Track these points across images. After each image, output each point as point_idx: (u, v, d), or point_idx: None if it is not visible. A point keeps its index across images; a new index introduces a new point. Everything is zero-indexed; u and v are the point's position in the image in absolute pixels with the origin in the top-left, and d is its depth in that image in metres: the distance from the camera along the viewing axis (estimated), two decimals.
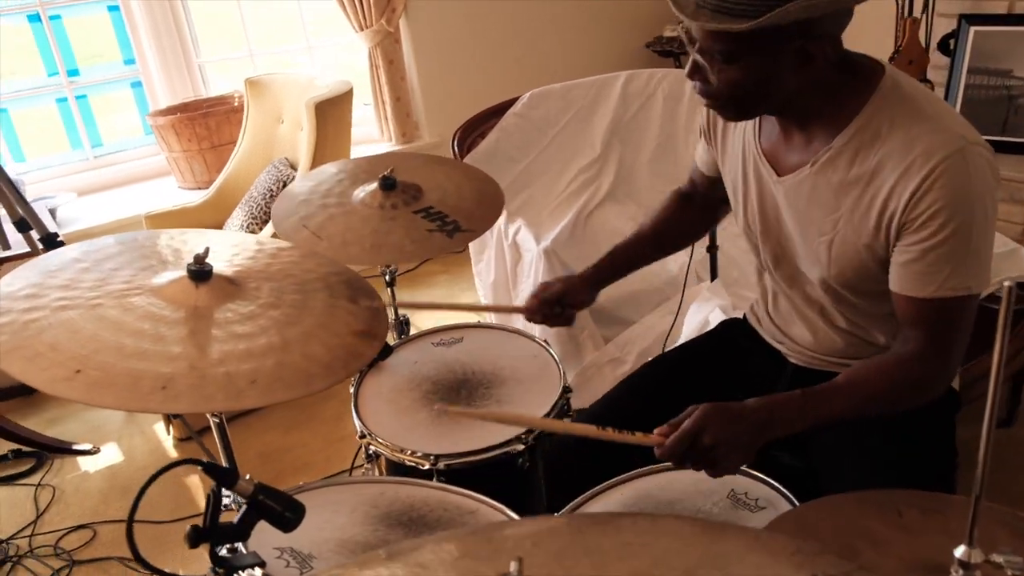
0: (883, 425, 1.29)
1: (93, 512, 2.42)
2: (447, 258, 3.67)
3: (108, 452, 2.75)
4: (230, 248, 1.52)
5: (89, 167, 3.78)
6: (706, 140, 1.51)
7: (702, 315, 2.11)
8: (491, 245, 2.55)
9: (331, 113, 2.71)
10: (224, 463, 1.46)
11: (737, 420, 1.11)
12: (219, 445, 1.46)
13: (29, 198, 3.41)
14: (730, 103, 1.23)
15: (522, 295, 2.45)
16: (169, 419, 2.74)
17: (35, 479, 2.63)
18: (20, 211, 2.17)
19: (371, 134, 3.94)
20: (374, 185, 1.78)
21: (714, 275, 2.29)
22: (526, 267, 2.42)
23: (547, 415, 1.50)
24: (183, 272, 1.32)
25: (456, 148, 2.61)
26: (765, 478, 1.23)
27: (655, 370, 1.59)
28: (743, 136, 1.39)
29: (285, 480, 2.51)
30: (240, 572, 0.93)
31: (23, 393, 3.09)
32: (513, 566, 0.55)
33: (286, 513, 0.90)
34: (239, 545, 0.96)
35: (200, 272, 1.31)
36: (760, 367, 1.51)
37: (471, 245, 2.66)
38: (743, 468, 1.27)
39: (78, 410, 3.00)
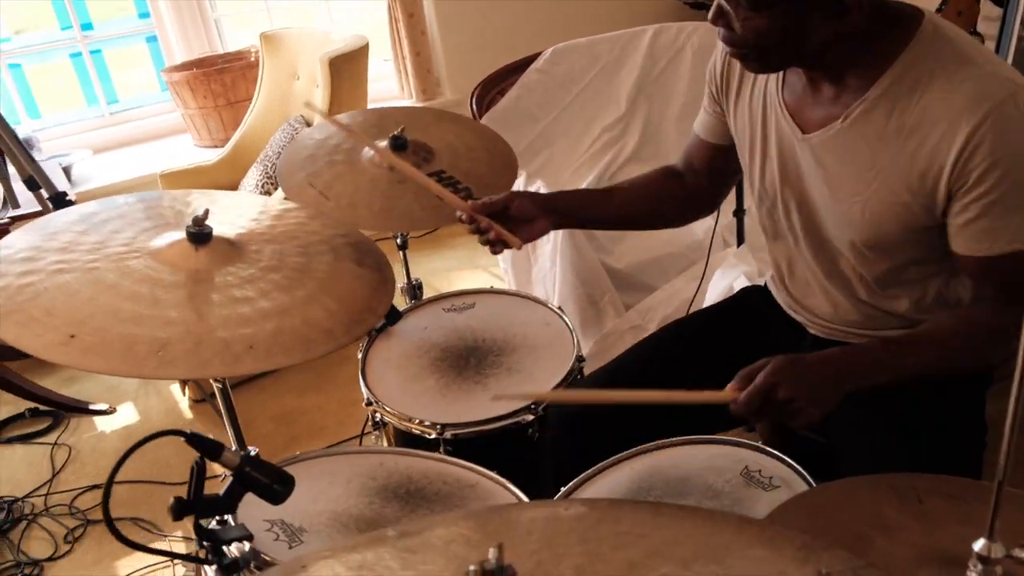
0: (908, 398, 1.25)
1: (108, 472, 2.45)
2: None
3: (124, 412, 2.79)
4: (233, 209, 1.51)
5: (105, 124, 3.79)
6: (714, 96, 1.44)
7: (727, 281, 2.06)
8: None
9: (346, 69, 2.67)
10: (228, 429, 1.45)
11: (812, 372, 1.09)
12: (223, 410, 1.45)
13: (44, 156, 3.43)
14: (755, 53, 1.16)
15: (541, 261, 2.42)
16: (184, 381, 2.76)
17: (51, 438, 2.68)
18: (29, 169, 2.17)
19: (391, 90, 3.90)
20: (384, 144, 1.74)
21: (740, 240, 2.25)
22: None
23: (559, 384, 1.48)
24: (183, 234, 1.31)
25: (474, 106, 2.56)
26: (781, 455, 1.20)
27: (671, 335, 1.56)
28: (763, 90, 1.33)
29: (299, 444, 2.52)
30: (227, 545, 0.92)
31: None
32: (492, 553, 0.53)
33: (274, 485, 0.89)
34: (228, 517, 0.95)
35: (199, 234, 1.30)
36: (780, 336, 1.47)
37: None
38: (760, 445, 1.24)
39: None
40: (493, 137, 1.88)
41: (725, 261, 2.20)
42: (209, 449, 0.90)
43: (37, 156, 3.45)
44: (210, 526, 0.91)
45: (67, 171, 3.35)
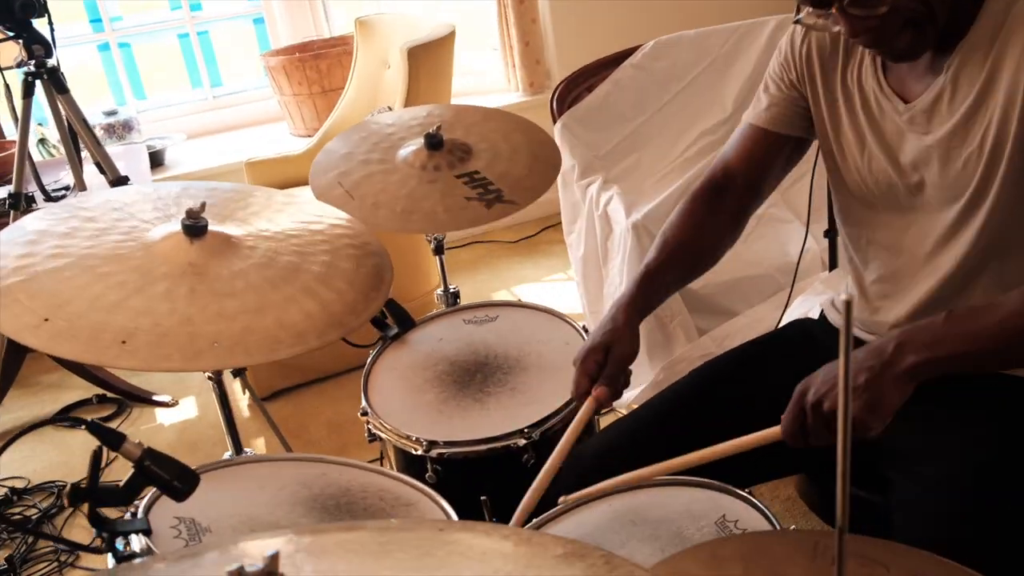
0: (968, 429, 1.24)
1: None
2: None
3: (185, 406, 3.04)
4: (251, 205, 1.66)
5: (207, 107, 4.12)
6: (793, 83, 1.44)
7: (803, 310, 2.04)
8: (583, 214, 2.57)
9: (425, 59, 2.81)
10: (224, 426, 1.60)
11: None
12: (217, 405, 1.60)
13: (142, 139, 3.78)
14: (903, 27, 1.17)
15: (612, 275, 2.46)
16: (244, 381, 2.98)
17: (112, 425, 2.95)
18: (95, 153, 2.43)
19: (498, 83, 4.03)
20: (420, 142, 1.85)
21: (833, 264, 2.20)
22: (616, 242, 2.42)
23: (561, 409, 1.52)
24: (179, 226, 1.46)
25: (554, 106, 2.63)
26: (763, 507, 1.20)
27: (696, 380, 1.54)
28: (855, 71, 1.35)
29: (349, 453, 2.67)
30: (123, 536, 1.04)
31: None
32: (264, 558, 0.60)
33: (175, 482, 1.00)
34: (139, 508, 1.08)
35: (194, 227, 1.45)
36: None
37: (563, 212, 2.68)
38: (745, 493, 1.24)
39: None
40: (542, 139, 1.95)
41: (811, 287, 2.17)
42: (110, 439, 1.02)
43: (135, 139, 3.82)
44: (125, 516, 1.04)
45: (159, 155, 3.68)
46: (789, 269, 2.40)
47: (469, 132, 1.93)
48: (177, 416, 3.00)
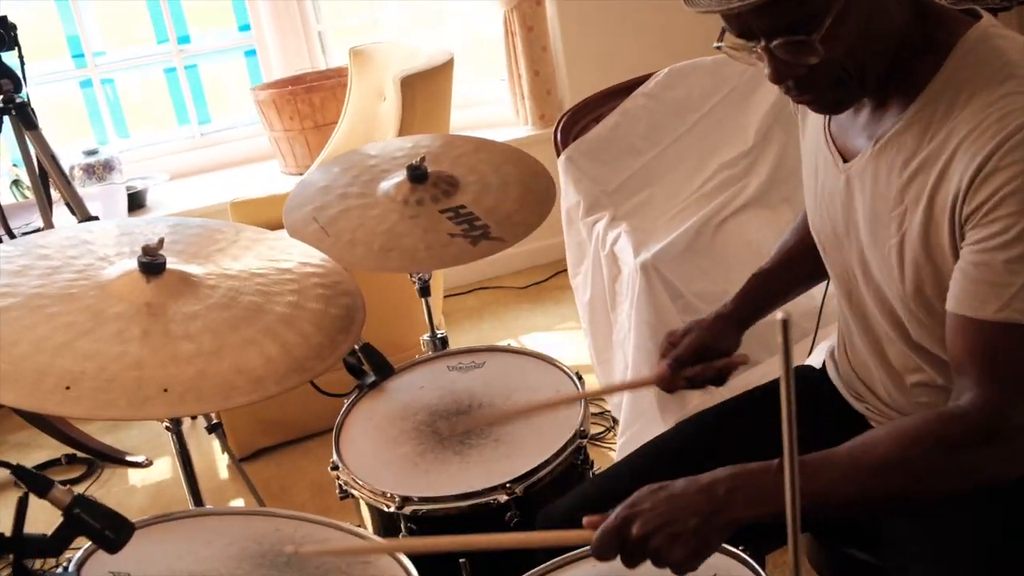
0: (971, 511, 1.23)
1: None
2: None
3: (159, 466, 3.06)
4: (216, 242, 1.69)
5: (194, 146, 4.21)
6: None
7: (822, 359, 2.03)
8: (589, 254, 2.59)
9: (421, 88, 2.86)
10: (182, 475, 1.63)
11: (678, 499, 1.08)
12: (176, 458, 1.62)
13: (123, 179, 3.87)
14: (832, 83, 1.16)
15: (621, 320, 2.47)
16: (222, 438, 3.01)
17: (82, 487, 2.98)
18: (64, 193, 2.49)
19: (505, 116, 4.09)
20: (402, 175, 1.89)
21: None
22: (624, 284, 2.44)
23: (549, 461, 1.53)
24: (135, 264, 1.49)
25: (558, 138, 2.67)
26: (757, 568, 1.20)
27: (686, 433, 1.57)
28: (816, 119, 1.37)
29: (332, 515, 2.68)
30: None
31: None
32: None
33: (106, 531, 1.01)
34: (70, 562, 1.09)
35: (151, 265, 1.48)
36: (832, 428, 1.45)
37: (568, 252, 2.71)
38: (738, 551, 1.24)
39: None
40: (536, 170, 1.99)
41: (832, 335, 2.16)
42: (37, 484, 1.04)
43: (116, 179, 3.90)
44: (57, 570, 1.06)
45: (139, 196, 3.76)
46: (813, 315, 2.40)
47: (456, 164, 1.97)
48: (151, 478, 3.02)
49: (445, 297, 3.77)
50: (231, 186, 3.88)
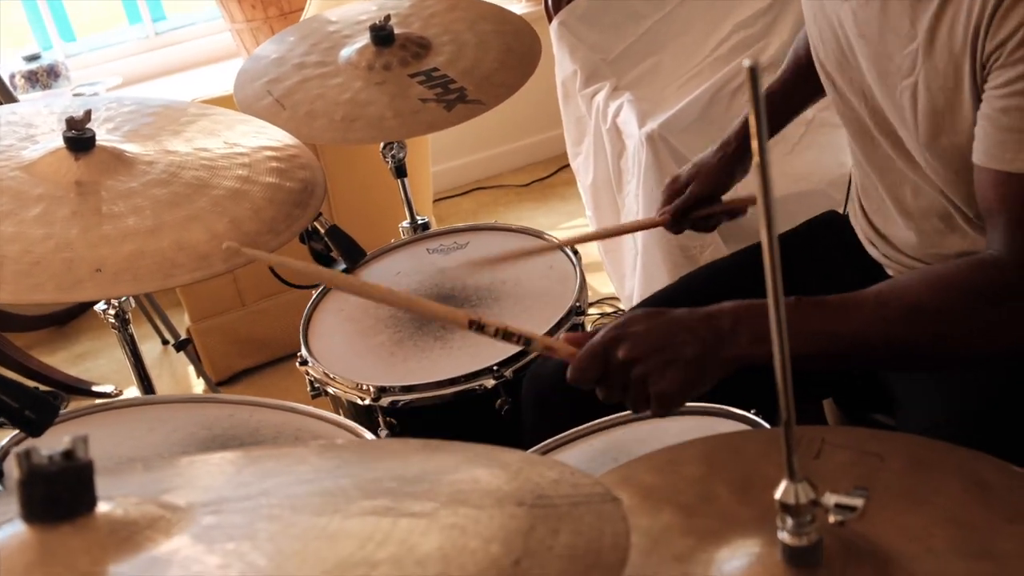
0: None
1: None
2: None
3: (129, 396, 3.06)
4: (162, 118, 1.66)
5: (148, 47, 4.15)
6: None
7: None
8: (590, 130, 2.54)
9: None
10: (133, 372, 1.63)
11: (676, 324, 1.06)
12: (123, 350, 1.62)
13: (71, 86, 3.82)
14: None
15: (628, 202, 2.43)
16: (196, 360, 3.01)
17: None
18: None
19: None
20: (366, 39, 1.84)
21: None
22: (630, 161, 2.39)
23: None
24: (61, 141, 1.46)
25: (549, 3, 2.61)
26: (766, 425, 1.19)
27: (710, 274, 1.61)
28: None
29: None
30: None
31: (55, 323, 3.54)
32: None
33: (26, 411, 0.99)
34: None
35: (78, 140, 1.45)
36: (852, 279, 1.43)
37: (565, 130, 2.66)
38: (751, 415, 1.23)
39: (110, 345, 3.35)
40: (518, 27, 1.94)
41: None
42: None
43: (63, 86, 3.85)
44: None
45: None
46: (842, 183, 2.36)
47: (428, 24, 1.92)
48: None
49: (437, 200, 3.74)
50: (191, 90, 3.83)
